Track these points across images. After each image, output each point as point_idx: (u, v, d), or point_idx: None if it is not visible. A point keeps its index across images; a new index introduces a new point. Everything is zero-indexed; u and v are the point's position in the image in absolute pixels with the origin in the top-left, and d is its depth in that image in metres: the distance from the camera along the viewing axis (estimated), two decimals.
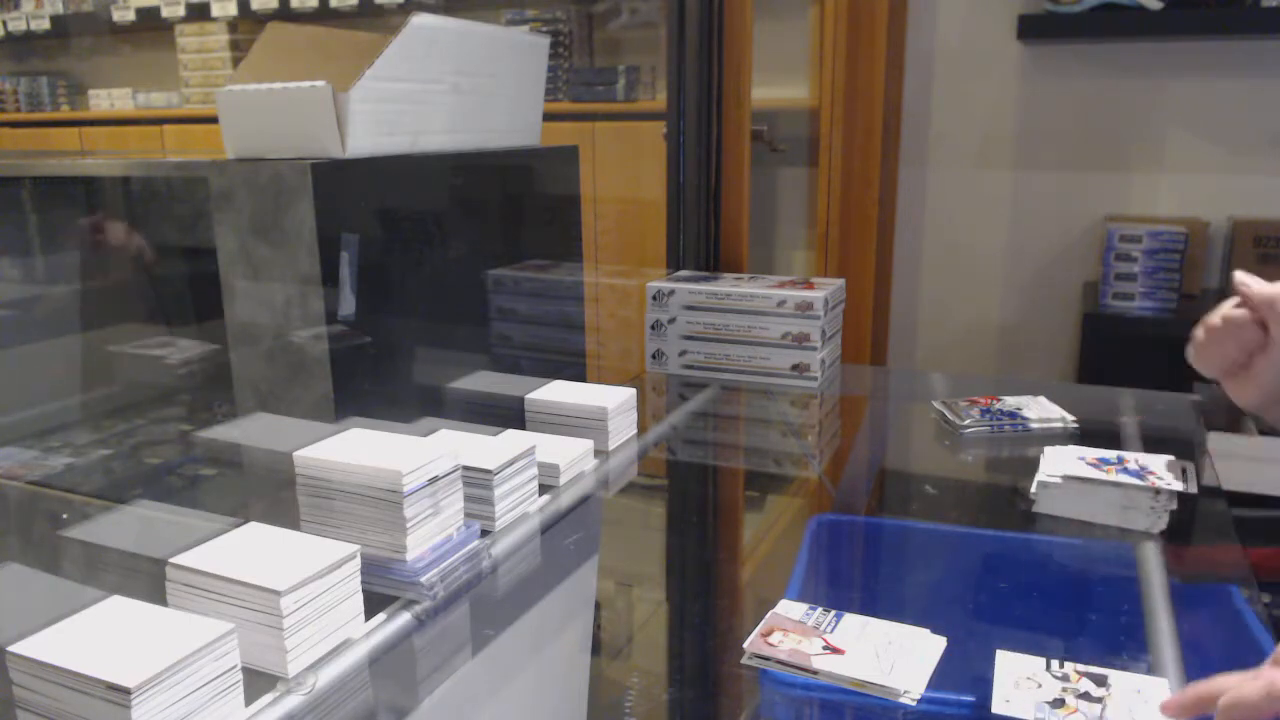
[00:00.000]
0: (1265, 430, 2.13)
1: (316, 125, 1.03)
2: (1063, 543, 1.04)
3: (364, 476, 0.81)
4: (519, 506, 0.97)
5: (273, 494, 0.95)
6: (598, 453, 1.14)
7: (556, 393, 1.19)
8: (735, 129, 1.77)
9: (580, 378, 1.33)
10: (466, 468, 0.89)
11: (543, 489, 1.02)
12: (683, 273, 1.72)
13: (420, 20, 1.11)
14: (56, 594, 0.79)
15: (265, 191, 1.00)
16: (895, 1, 2.52)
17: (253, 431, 1.06)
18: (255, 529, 0.79)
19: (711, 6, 1.71)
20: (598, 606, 0.99)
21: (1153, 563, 0.96)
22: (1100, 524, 1.03)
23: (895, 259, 2.75)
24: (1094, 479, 1.04)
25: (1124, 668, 0.75)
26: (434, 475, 0.83)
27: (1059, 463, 1.08)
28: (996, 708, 0.70)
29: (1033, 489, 1.07)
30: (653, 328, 1.56)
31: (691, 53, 1.71)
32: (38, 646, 0.62)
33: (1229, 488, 1.11)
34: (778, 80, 2.75)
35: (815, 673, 0.75)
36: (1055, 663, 0.75)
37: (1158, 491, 1.02)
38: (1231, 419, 2.28)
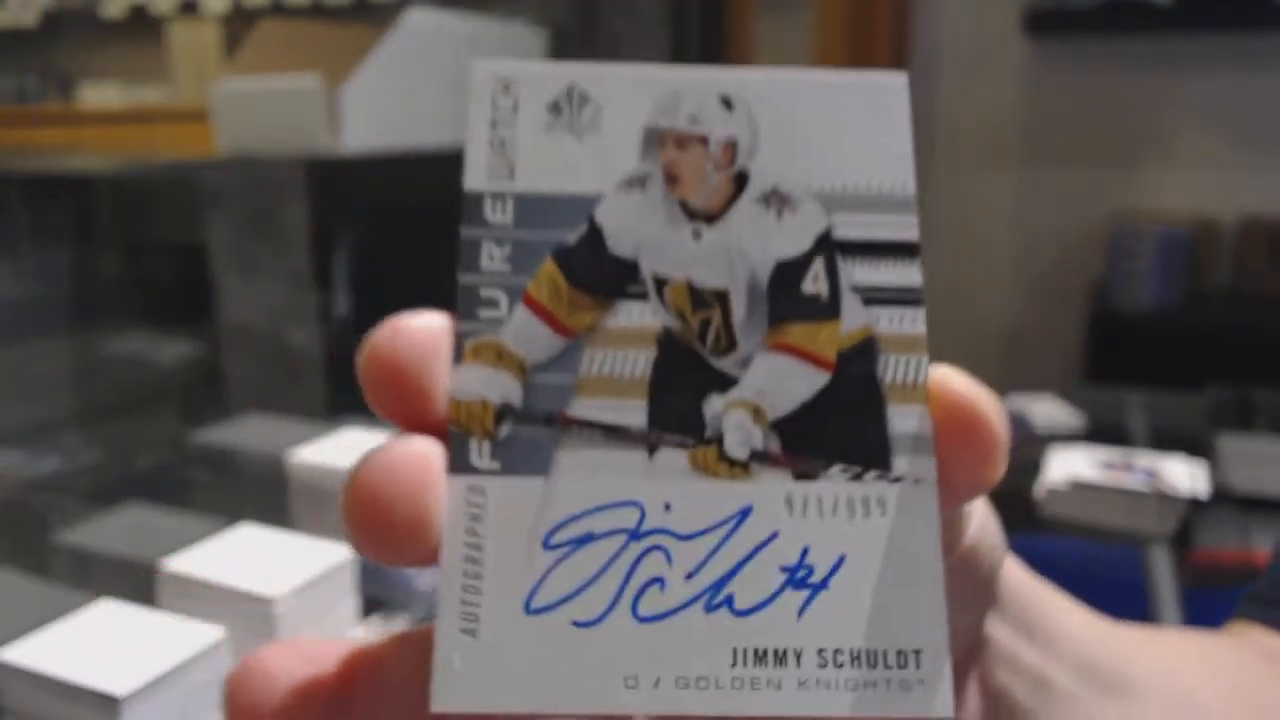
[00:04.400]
0: (1278, 431, 2.12)
1: (310, 122, 1.02)
2: (1069, 546, 1.02)
3: None
4: None
5: (266, 496, 0.93)
6: None
7: None
8: None
9: None
10: None
11: None
12: None
13: (414, 16, 1.09)
14: (45, 598, 0.77)
15: (258, 190, 0.98)
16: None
17: (246, 433, 1.04)
18: (248, 532, 0.78)
19: (711, 6, 1.70)
20: None
21: (1162, 567, 0.95)
22: (1108, 526, 1.02)
23: None
24: (1102, 480, 1.03)
25: None
26: None
27: (1066, 464, 1.07)
28: None
29: (1039, 491, 1.06)
30: None
31: (691, 53, 1.70)
32: (25, 653, 0.61)
33: (1240, 489, 1.10)
34: None
35: None
36: None
37: (1167, 494, 1.00)
38: (1243, 419, 2.27)
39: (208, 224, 1.02)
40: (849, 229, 0.20)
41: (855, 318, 0.20)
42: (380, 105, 1.07)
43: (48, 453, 1.18)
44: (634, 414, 0.19)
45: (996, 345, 2.73)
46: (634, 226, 0.20)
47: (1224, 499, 1.06)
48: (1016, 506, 1.09)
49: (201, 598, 0.70)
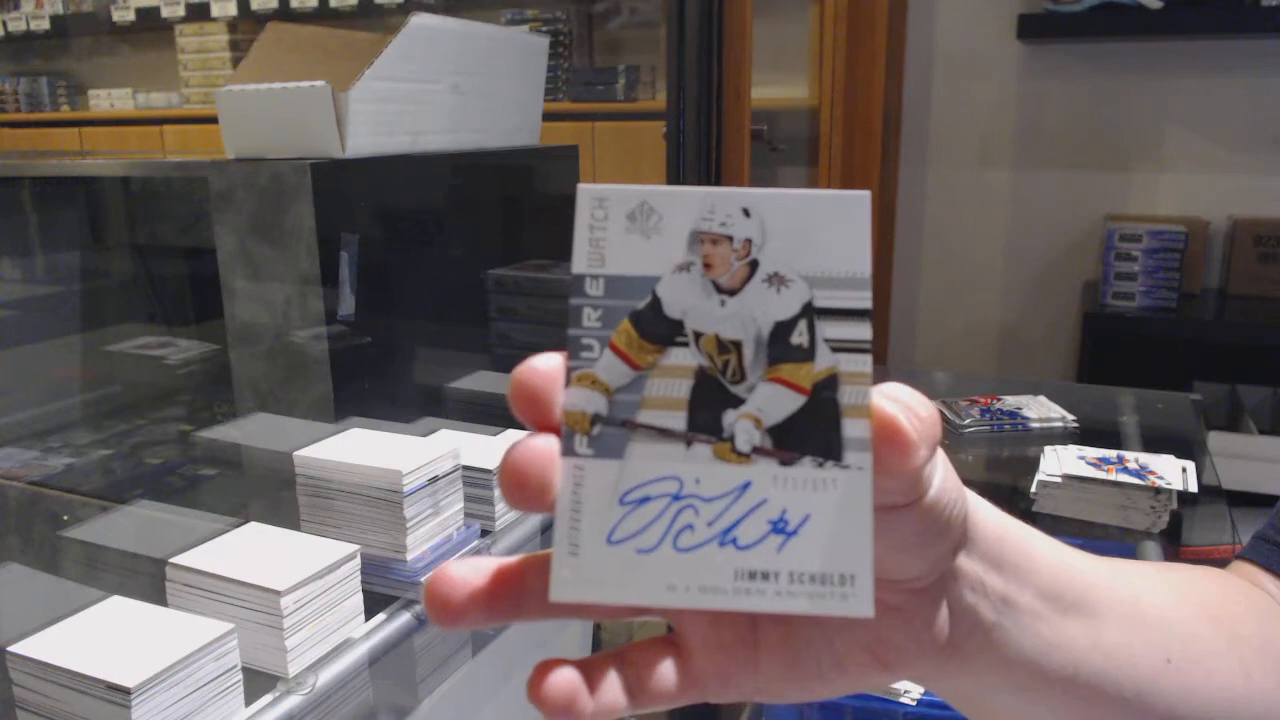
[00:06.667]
0: (1266, 429, 2.13)
1: (316, 125, 1.03)
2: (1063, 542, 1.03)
3: (364, 476, 0.81)
4: None
5: (273, 494, 0.94)
6: None
7: None
8: (735, 129, 1.77)
9: None
10: (466, 468, 0.89)
11: None
12: None
13: (420, 20, 1.11)
14: (56, 594, 0.79)
15: (265, 191, 1.00)
16: (895, 1, 2.52)
17: (253, 431, 1.06)
18: (255, 529, 0.79)
19: (711, 6, 1.70)
20: None
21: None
22: (1100, 523, 1.03)
23: (895, 259, 2.75)
24: (1094, 478, 1.04)
25: None
26: (434, 475, 0.83)
27: (1059, 462, 1.08)
28: None
29: (1033, 488, 1.07)
30: None
31: (691, 52, 1.71)
32: (38, 646, 0.62)
33: (1229, 487, 1.11)
34: (778, 80, 2.75)
35: None
36: None
37: (1158, 491, 1.02)
38: (1232, 418, 2.28)
39: (215, 225, 1.03)
40: (824, 300, 0.28)
41: (825, 360, 0.28)
42: (385, 108, 1.08)
43: (59, 451, 1.19)
44: (677, 421, 0.28)
45: (991, 345, 2.74)
46: (682, 298, 0.29)
47: (1213, 496, 1.08)
48: (1011, 502, 1.11)
49: (210, 592, 0.72)
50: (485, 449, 0.95)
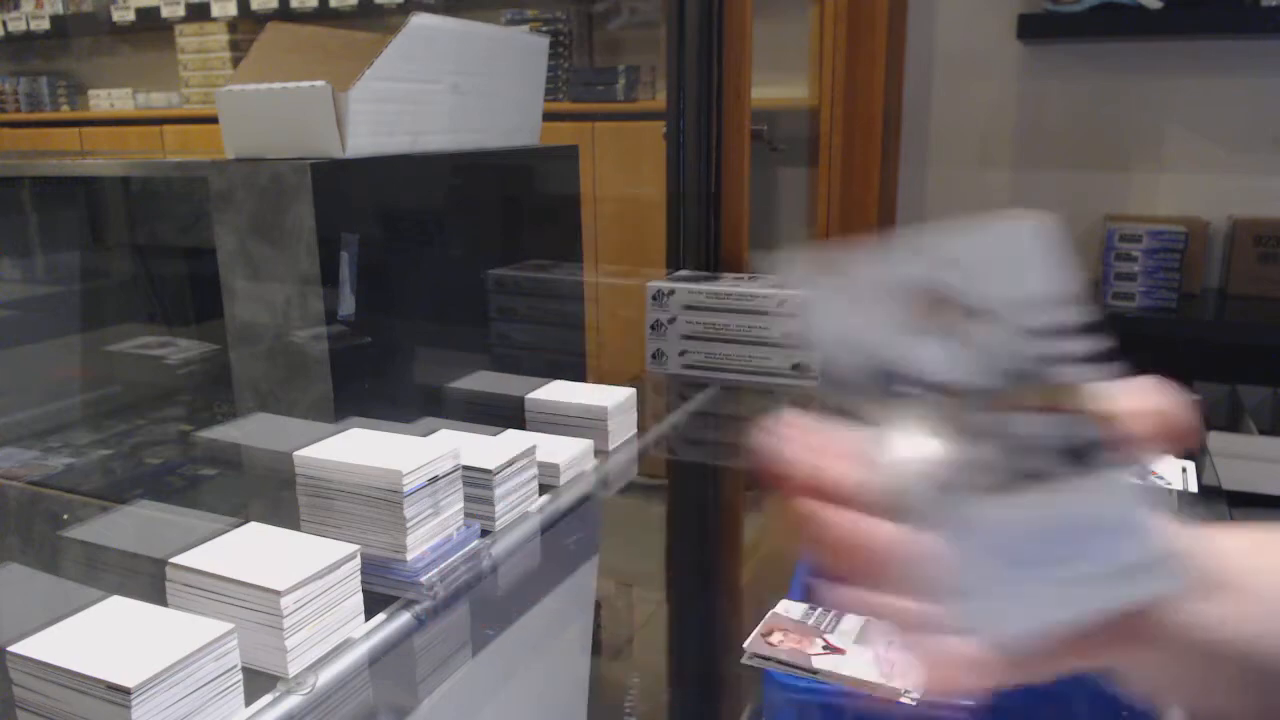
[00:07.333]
0: (1266, 430, 2.12)
1: (316, 125, 1.03)
2: None
3: (364, 476, 0.81)
4: (519, 506, 0.97)
5: (273, 494, 0.94)
6: (598, 453, 1.14)
7: (556, 392, 1.19)
8: (735, 128, 1.77)
9: (580, 378, 1.33)
10: (466, 468, 0.89)
11: (543, 489, 1.02)
12: (683, 272, 1.72)
13: (420, 20, 1.11)
14: (56, 594, 0.79)
15: (265, 191, 1.00)
16: (895, 1, 2.52)
17: (253, 431, 1.06)
18: (255, 529, 0.79)
19: (711, 6, 1.70)
20: (598, 606, 0.98)
21: None
22: None
23: None
24: None
25: None
26: (434, 475, 0.83)
27: None
28: None
29: None
30: (653, 328, 1.56)
31: (691, 52, 1.71)
32: (38, 646, 0.62)
33: (1229, 487, 1.11)
34: (778, 80, 2.75)
35: (815, 673, 0.75)
36: None
37: (1157, 490, 1.01)
38: (1232, 418, 2.28)
39: (215, 225, 1.03)
40: (1040, 322, 0.32)
41: (1062, 377, 0.32)
42: (385, 108, 1.08)
43: (59, 451, 1.19)
44: (962, 466, 0.32)
45: None
46: (912, 352, 0.33)
47: (1213, 496, 1.08)
48: None
49: (210, 592, 0.72)
50: (485, 449, 0.95)
